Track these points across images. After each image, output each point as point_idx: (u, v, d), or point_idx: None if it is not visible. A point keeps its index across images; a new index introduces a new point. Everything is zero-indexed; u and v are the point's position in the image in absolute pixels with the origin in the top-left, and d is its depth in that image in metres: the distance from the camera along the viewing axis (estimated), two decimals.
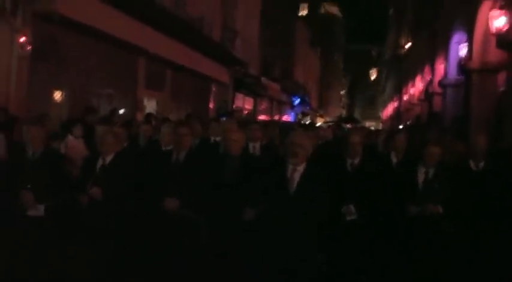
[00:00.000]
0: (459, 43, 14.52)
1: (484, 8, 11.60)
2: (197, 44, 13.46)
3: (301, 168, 3.86)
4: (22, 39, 7.56)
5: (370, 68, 73.55)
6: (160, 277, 4.41)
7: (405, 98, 30.01)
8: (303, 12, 39.68)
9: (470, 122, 12.43)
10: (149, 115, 9.74)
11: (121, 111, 10.47)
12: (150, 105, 12.74)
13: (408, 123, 24.26)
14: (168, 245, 4.39)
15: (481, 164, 4.96)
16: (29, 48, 7.66)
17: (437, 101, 18.16)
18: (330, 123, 21.85)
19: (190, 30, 12.66)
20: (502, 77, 11.68)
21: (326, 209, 3.75)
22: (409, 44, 31.87)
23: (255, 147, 5.76)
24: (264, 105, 25.84)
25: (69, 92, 9.13)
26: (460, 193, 4.58)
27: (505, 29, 9.97)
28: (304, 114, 37.01)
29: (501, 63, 11.26)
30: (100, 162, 4.68)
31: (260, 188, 4.00)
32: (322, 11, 50.09)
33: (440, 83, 16.87)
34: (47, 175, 4.55)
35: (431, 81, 19.27)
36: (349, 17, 65.14)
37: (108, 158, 4.68)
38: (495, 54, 11.56)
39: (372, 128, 27.25)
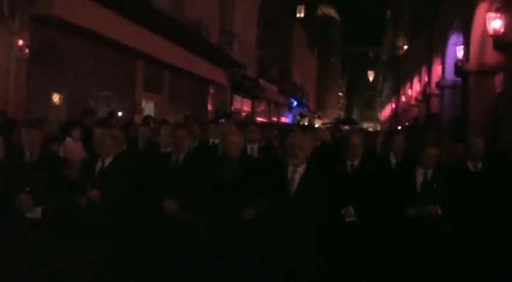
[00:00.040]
0: (456, 45, 14.57)
1: (481, 9, 11.64)
2: (195, 46, 13.47)
3: (301, 169, 3.88)
4: (20, 42, 7.56)
5: (367, 70, 73.63)
6: (159, 279, 4.41)
7: (403, 99, 30.08)
8: (300, 14, 39.73)
9: (467, 124, 12.47)
10: (147, 117, 9.74)
11: (119, 114, 10.47)
12: (148, 108, 12.75)
13: (406, 124, 24.31)
14: (167, 246, 4.39)
15: (479, 165, 4.98)
16: (27, 51, 7.67)
17: (434, 102, 18.21)
18: (328, 125, 21.91)
19: (188, 33, 12.67)
20: (499, 78, 11.72)
21: (325, 210, 3.77)
22: (406, 46, 31.96)
23: (252, 148, 5.77)
24: (262, 107, 25.86)
25: (68, 95, 9.13)
26: (458, 194, 4.60)
27: (501, 31, 10.01)
28: (302, 116, 37.04)
29: (498, 64, 11.31)
30: (99, 165, 4.68)
31: (259, 189, 4.02)
32: (319, 13, 50.15)
33: (437, 85, 16.92)
34: (45, 178, 4.55)
35: (428, 83, 19.32)
36: (346, 19, 65.28)
37: (107, 161, 4.68)
38: (492, 56, 11.61)
39: (370, 129, 27.30)
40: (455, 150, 5.77)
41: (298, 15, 38.10)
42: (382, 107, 55.99)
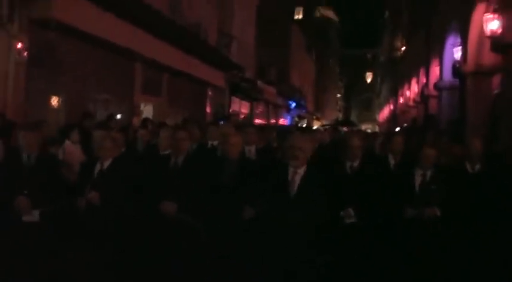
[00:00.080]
0: (454, 46, 14.61)
1: (479, 11, 11.67)
2: (193, 49, 13.49)
3: (301, 171, 3.89)
4: (19, 45, 7.58)
5: (365, 71, 73.77)
6: (159, 281, 4.42)
7: (401, 100, 30.13)
8: (298, 16, 39.79)
9: (465, 125, 12.50)
10: (146, 120, 9.76)
11: (118, 117, 10.48)
12: (146, 111, 12.76)
13: (405, 125, 24.34)
14: (166, 248, 4.40)
15: (477, 167, 5.00)
16: (25, 54, 7.69)
17: (433, 103, 18.26)
18: (327, 127, 21.93)
19: (187, 36, 12.70)
20: (496, 79, 11.75)
21: (326, 211, 3.78)
22: (404, 47, 32.02)
23: (250, 150, 5.79)
24: (260, 109, 25.89)
25: (66, 98, 9.14)
26: (456, 195, 4.62)
27: (499, 32, 10.04)
28: (301, 118, 37.07)
29: (496, 66, 11.33)
30: (98, 167, 4.69)
31: (259, 191, 4.03)
32: (317, 14, 50.22)
33: (435, 86, 16.96)
34: (43, 180, 4.55)
35: (426, 84, 19.37)
36: (344, 21, 65.40)
37: (106, 163, 4.69)
38: (490, 57, 11.63)
39: (369, 131, 27.32)
40: (453, 151, 5.79)
41: (296, 16, 38.18)
42: (380, 108, 56.07)
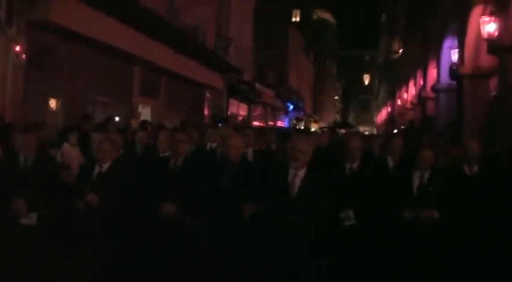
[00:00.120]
0: (451, 48, 14.66)
1: (476, 13, 11.72)
2: (192, 51, 13.52)
3: (301, 173, 3.89)
4: (17, 48, 7.59)
5: (363, 73, 73.84)
6: None
7: (399, 102, 30.18)
8: (296, 18, 39.88)
9: (463, 127, 12.54)
10: (144, 122, 9.77)
11: (116, 119, 10.49)
12: (145, 113, 12.77)
13: (402, 127, 24.39)
14: (166, 250, 4.41)
15: (475, 168, 5.03)
16: (24, 57, 7.69)
17: (430, 105, 18.30)
18: (324, 129, 21.96)
19: (185, 39, 12.72)
20: (493, 81, 11.79)
21: (325, 213, 3.79)
22: (401, 49, 32.10)
23: (247, 152, 5.79)
24: (258, 111, 25.92)
25: (65, 100, 9.14)
26: (454, 197, 4.64)
27: (496, 35, 10.08)
28: (299, 120, 37.11)
29: (493, 68, 11.37)
30: (97, 170, 4.69)
31: (260, 192, 4.03)
32: (315, 17, 50.34)
33: (433, 88, 17.00)
34: (40, 183, 4.54)
35: (424, 86, 19.42)
36: (342, 23, 65.59)
37: (105, 166, 4.69)
38: (487, 59, 11.68)
39: (366, 133, 27.35)
40: (453, 153, 5.79)
41: (293, 19, 38.28)
42: (378, 110, 56.14)
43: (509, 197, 4.71)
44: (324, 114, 54.59)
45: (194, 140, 5.88)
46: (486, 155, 5.63)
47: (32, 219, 4.47)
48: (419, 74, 21.38)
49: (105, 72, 10.48)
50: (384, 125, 42.03)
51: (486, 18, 10.38)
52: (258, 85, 23.09)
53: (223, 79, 17.75)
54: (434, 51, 17.56)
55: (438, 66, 16.61)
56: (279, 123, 30.25)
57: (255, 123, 23.01)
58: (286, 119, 33.06)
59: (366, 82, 73.46)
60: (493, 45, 10.10)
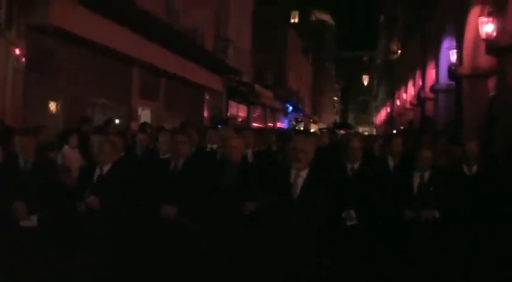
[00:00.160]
0: (449, 49, 14.70)
1: (473, 14, 11.76)
2: (190, 53, 13.53)
3: (304, 173, 3.89)
4: (17, 51, 7.59)
5: (362, 74, 73.88)
6: None
7: (398, 103, 30.22)
8: (294, 19, 39.92)
9: (462, 127, 12.57)
10: (144, 124, 9.78)
11: (116, 121, 10.50)
12: (144, 115, 12.78)
13: (401, 128, 24.41)
14: (166, 252, 4.42)
15: (474, 168, 5.05)
16: (23, 60, 7.70)
17: (429, 106, 18.34)
18: (324, 130, 21.96)
19: (184, 40, 12.74)
20: (492, 82, 11.83)
21: (326, 213, 3.79)
22: (400, 50, 32.13)
23: (247, 153, 5.81)
24: (257, 112, 25.93)
25: (64, 103, 9.15)
26: (454, 197, 4.65)
27: (494, 35, 10.12)
28: (298, 121, 37.13)
29: (491, 68, 11.41)
30: (97, 172, 4.70)
31: (261, 193, 4.03)
32: (313, 18, 50.40)
33: (431, 89, 17.04)
34: (40, 185, 4.55)
35: (422, 87, 19.45)
36: (340, 24, 65.67)
37: (106, 168, 4.70)
38: (485, 60, 11.71)
39: (366, 133, 27.38)
40: (453, 153, 5.81)
41: (292, 20, 38.33)
42: (377, 111, 56.15)
43: (508, 197, 4.73)
44: (323, 115, 54.62)
45: (194, 141, 5.90)
46: (485, 155, 5.66)
47: (32, 221, 4.49)
48: (418, 74, 21.42)
49: (104, 75, 10.49)
50: (383, 125, 42.06)
51: (484, 19, 10.41)
52: (257, 86, 23.11)
53: (223, 81, 17.76)
54: (432, 52, 17.60)
55: (437, 67, 16.65)
56: (279, 125, 30.26)
57: (255, 124, 23.02)
58: (286, 120, 33.07)
59: (365, 83, 73.47)
60: (491, 45, 10.13)
